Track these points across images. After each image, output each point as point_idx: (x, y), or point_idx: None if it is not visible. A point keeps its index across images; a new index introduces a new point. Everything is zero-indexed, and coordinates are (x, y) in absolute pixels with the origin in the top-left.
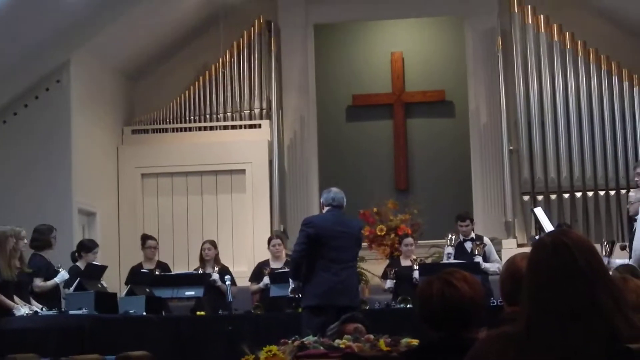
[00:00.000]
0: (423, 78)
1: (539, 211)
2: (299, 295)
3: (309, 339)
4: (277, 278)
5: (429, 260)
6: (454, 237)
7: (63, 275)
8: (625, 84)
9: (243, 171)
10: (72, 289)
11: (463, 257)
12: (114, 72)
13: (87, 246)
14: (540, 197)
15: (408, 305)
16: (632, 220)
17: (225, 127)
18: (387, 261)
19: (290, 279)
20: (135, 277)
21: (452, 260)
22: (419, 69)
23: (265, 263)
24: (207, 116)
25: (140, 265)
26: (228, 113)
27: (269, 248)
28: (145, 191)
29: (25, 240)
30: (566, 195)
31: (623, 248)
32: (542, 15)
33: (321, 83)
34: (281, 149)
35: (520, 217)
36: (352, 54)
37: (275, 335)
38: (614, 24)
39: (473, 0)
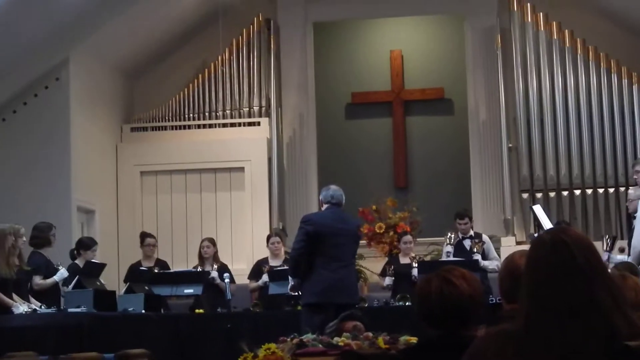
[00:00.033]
0: (422, 76)
1: (537, 209)
2: (298, 293)
3: (308, 337)
4: (276, 276)
5: (427, 258)
6: (453, 235)
7: (62, 273)
8: (625, 82)
9: (242, 169)
10: (70, 286)
11: (462, 254)
12: (113, 70)
13: (86, 244)
14: (539, 195)
15: (407, 303)
16: (631, 217)
17: (225, 125)
18: (386, 259)
19: (289, 277)
20: (134, 275)
21: (451, 258)
22: (418, 66)
23: (264, 261)
24: (206, 114)
25: (139, 263)
26: (227, 111)
27: (268, 246)
28: (144, 189)
29: (24, 238)
30: (565, 193)
31: (622, 250)
32: (541, 14)
33: (320, 81)
34: (280, 147)
35: (519, 215)
36: (352, 52)
37: (274, 333)
38: (613, 22)
39: None
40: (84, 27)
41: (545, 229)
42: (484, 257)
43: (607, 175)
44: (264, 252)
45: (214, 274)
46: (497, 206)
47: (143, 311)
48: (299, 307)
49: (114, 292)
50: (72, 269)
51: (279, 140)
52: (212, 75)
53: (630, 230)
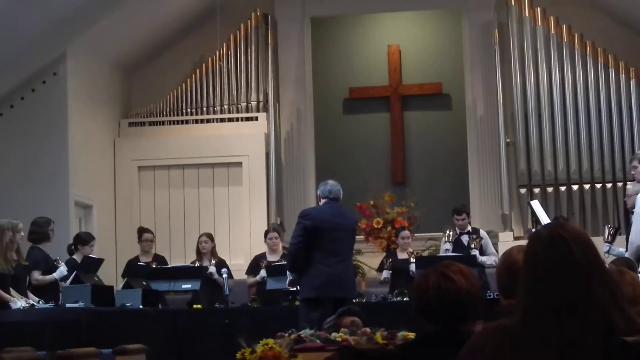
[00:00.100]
0: (420, 71)
1: (535, 204)
2: (297, 288)
3: (306, 332)
4: (274, 271)
5: (425, 253)
6: (451, 233)
7: (62, 271)
8: (622, 77)
9: (240, 164)
10: (68, 282)
11: (460, 250)
12: (111, 65)
13: (83, 239)
14: (537, 190)
15: (404, 299)
16: (629, 213)
17: (222, 120)
18: (384, 254)
19: (287, 272)
20: (132, 270)
21: (449, 254)
22: (416, 61)
23: (262, 256)
24: (204, 109)
25: (137, 258)
26: (225, 106)
27: (265, 241)
28: (142, 184)
29: (22, 233)
30: (563, 188)
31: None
32: (538, 8)
33: (318, 76)
34: (278, 142)
35: (517, 210)
36: (349, 46)
37: (271, 328)
38: (611, 17)
39: None
40: (81, 21)
41: (543, 224)
42: (482, 253)
43: (604, 170)
44: (262, 248)
45: (212, 269)
46: (494, 201)
47: (141, 306)
48: (297, 303)
49: (111, 287)
50: (70, 264)
51: (276, 135)
52: (210, 70)
53: (629, 225)
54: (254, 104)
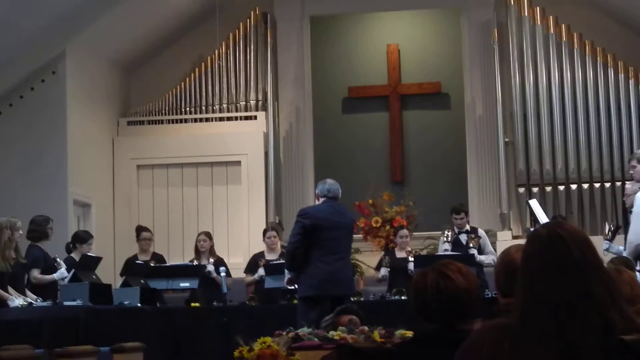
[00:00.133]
0: (419, 70)
1: (534, 203)
2: (295, 286)
3: (304, 331)
4: (272, 270)
5: (424, 252)
6: (450, 233)
7: (62, 272)
8: (621, 76)
9: (239, 163)
10: (66, 280)
11: (458, 249)
12: (110, 64)
13: (82, 237)
14: (535, 189)
15: (403, 297)
16: (628, 212)
17: (221, 119)
18: (382, 253)
19: (286, 270)
20: (130, 269)
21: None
22: (414, 60)
23: (261, 254)
24: (203, 108)
25: (135, 257)
26: (224, 105)
27: (264, 240)
28: (140, 182)
29: (21, 231)
30: (561, 187)
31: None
32: (538, 8)
33: (317, 75)
34: (277, 141)
35: (516, 209)
36: (348, 46)
37: (269, 326)
38: (610, 17)
39: None
40: (80, 20)
41: (541, 223)
42: (480, 252)
43: (603, 169)
44: (260, 246)
45: (210, 267)
46: (493, 200)
47: (139, 305)
48: (295, 301)
49: (109, 286)
50: (68, 263)
51: (275, 134)
52: (209, 68)
53: (627, 225)
54: (253, 102)
